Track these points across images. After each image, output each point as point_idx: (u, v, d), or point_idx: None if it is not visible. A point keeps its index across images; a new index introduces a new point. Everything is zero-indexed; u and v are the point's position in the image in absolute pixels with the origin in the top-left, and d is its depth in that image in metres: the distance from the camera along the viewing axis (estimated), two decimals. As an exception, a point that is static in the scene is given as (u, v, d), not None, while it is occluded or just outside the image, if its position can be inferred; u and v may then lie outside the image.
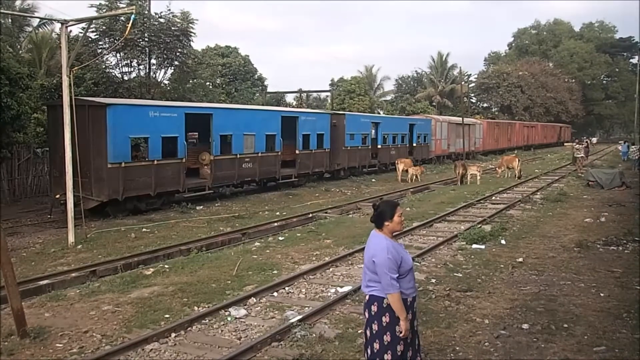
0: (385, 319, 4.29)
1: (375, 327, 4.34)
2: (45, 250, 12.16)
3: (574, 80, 75.39)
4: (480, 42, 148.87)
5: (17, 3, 33.05)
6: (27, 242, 13.13)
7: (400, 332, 4.25)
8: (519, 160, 26.68)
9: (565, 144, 34.66)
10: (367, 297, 4.44)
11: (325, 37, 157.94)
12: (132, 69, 24.58)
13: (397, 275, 4.24)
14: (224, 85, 40.36)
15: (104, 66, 23.48)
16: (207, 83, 32.06)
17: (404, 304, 4.26)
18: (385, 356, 4.30)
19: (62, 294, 8.35)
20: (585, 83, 77.15)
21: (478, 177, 24.31)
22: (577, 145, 31.09)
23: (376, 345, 4.34)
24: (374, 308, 4.35)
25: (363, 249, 4.85)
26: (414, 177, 26.56)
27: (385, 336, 4.30)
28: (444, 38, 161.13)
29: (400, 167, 27.44)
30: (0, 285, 7.21)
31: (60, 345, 6.30)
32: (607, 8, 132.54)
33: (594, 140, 40.75)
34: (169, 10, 24.54)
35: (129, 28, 14.60)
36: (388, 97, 63.15)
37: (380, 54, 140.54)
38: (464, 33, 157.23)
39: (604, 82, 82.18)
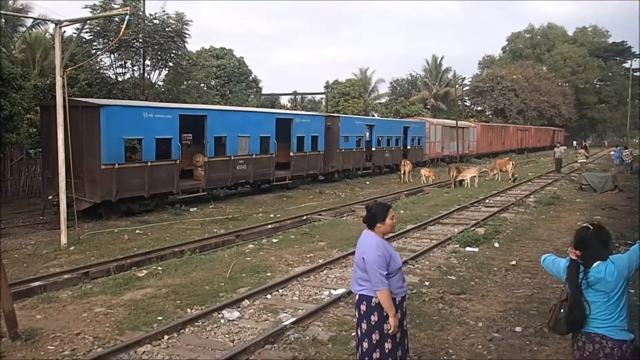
0: (374, 318, 4.31)
1: (364, 325, 4.36)
2: (38, 252, 12.08)
3: (567, 84, 75.77)
4: (473, 46, 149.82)
5: (10, 3, 32.90)
6: (19, 244, 13.03)
7: (389, 330, 4.26)
8: (512, 164, 26.77)
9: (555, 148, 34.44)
10: (357, 297, 4.48)
11: (318, 39, 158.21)
12: (126, 70, 24.55)
13: (387, 273, 4.26)
14: (218, 87, 40.33)
15: (98, 67, 23.42)
16: (202, 85, 32.02)
17: (392, 303, 4.27)
18: (374, 355, 4.30)
19: (54, 295, 8.30)
20: (579, 87, 77.58)
21: (472, 180, 24.34)
22: (580, 150, 31.55)
23: (365, 344, 4.35)
24: (362, 307, 4.38)
25: (356, 251, 4.86)
26: (430, 179, 26.52)
27: (374, 335, 4.31)
28: (436, 42, 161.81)
29: (407, 169, 27.55)
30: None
31: (52, 347, 6.26)
32: (598, 10, 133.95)
33: (574, 143, 41.06)
34: (164, 11, 24.56)
35: (123, 29, 14.52)
36: (382, 100, 63.35)
37: (373, 58, 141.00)
38: (456, 37, 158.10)
39: (597, 86, 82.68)
